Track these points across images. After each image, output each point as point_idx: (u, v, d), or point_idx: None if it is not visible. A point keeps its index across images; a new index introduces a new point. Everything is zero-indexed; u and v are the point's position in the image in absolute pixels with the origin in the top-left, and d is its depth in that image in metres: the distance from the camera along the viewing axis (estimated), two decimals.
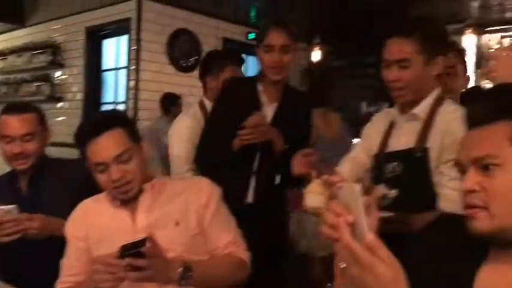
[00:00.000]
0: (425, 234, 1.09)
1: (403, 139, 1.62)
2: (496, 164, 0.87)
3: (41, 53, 6.00)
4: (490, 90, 1.14)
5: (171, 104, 4.78)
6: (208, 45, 5.39)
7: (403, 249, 0.87)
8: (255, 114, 1.92)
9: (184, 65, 5.38)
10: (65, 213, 1.63)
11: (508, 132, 0.87)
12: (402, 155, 1.60)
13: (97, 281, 1.26)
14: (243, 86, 2.17)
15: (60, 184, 1.87)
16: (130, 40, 5.14)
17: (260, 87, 2.08)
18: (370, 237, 0.76)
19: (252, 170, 2.06)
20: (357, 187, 0.79)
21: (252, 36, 5.99)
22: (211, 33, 5.60)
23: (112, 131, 1.42)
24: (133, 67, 5.09)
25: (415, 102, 1.61)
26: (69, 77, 5.92)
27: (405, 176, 1.57)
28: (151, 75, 5.14)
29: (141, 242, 1.24)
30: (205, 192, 1.52)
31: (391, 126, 1.70)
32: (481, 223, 0.88)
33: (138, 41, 5.04)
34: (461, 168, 0.94)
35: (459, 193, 1.31)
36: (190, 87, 5.26)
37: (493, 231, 0.88)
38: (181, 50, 5.36)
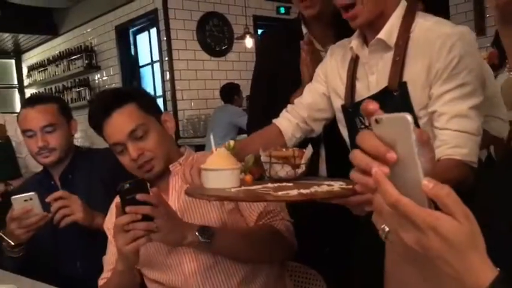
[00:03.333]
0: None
1: (374, 79, 1.25)
2: None
3: (77, 58, 6.06)
4: None
5: (233, 94, 4.64)
6: (238, 26, 5.22)
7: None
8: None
9: (217, 49, 5.24)
10: (100, 205, 1.54)
11: None
12: (376, 99, 1.24)
13: (119, 248, 1.15)
14: (281, 36, 1.87)
15: (94, 175, 1.78)
16: (159, 31, 5.05)
17: (305, 30, 1.72)
18: (429, 184, 0.53)
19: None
20: (408, 117, 0.54)
21: (282, 10, 5.76)
22: (240, 12, 5.42)
23: (122, 108, 1.32)
24: (166, 58, 5.00)
25: (377, 24, 1.23)
26: (106, 78, 5.93)
27: None
28: (185, 64, 5.04)
29: (140, 184, 1.14)
30: None
31: (355, 63, 1.31)
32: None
33: (168, 31, 4.94)
34: None
35: (469, 134, 1.10)
36: (226, 71, 5.13)
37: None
38: (212, 34, 5.22)
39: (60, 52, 6.41)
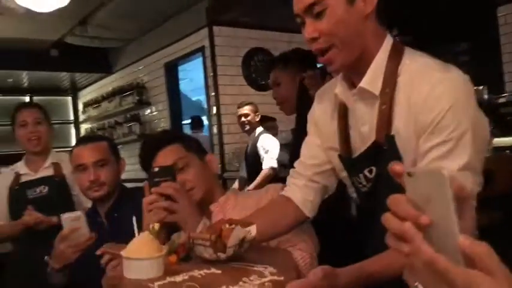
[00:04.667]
0: None
1: (366, 129, 1.12)
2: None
3: (128, 95, 6.30)
4: None
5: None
6: None
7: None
8: None
9: (262, 83, 5.32)
10: None
11: None
12: (370, 156, 1.10)
13: (146, 224, 1.27)
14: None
15: (137, 213, 1.82)
16: (206, 68, 5.19)
17: None
18: (466, 241, 0.50)
19: None
20: (445, 172, 0.52)
21: None
22: (284, 47, 5.49)
23: (168, 147, 1.48)
24: (213, 93, 5.11)
25: (359, 67, 1.09)
26: (156, 113, 6.12)
27: (379, 186, 1.10)
28: (231, 98, 5.13)
29: (168, 169, 1.34)
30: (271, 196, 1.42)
31: (344, 110, 1.17)
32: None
33: (214, 67, 5.07)
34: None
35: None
36: (270, 105, 5.16)
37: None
38: (257, 68, 5.31)
39: (113, 89, 6.70)
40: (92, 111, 7.21)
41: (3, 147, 6.37)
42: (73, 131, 7.85)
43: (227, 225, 1.07)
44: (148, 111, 6.24)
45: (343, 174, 1.23)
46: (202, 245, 1.06)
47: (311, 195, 1.27)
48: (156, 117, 6.13)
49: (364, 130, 1.12)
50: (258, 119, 4.37)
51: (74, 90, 7.88)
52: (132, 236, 1.66)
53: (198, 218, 1.32)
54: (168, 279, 0.97)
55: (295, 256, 1.27)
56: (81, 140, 1.94)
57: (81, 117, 7.71)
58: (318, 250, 1.34)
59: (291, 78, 2.14)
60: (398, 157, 1.04)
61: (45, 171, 2.40)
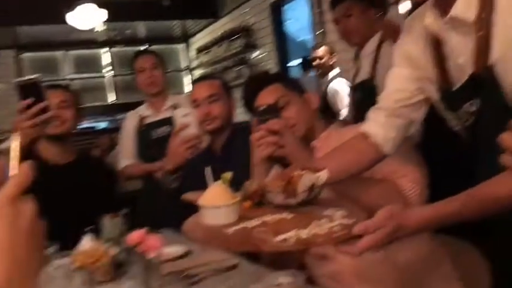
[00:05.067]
0: None
1: (463, 60, 1.03)
2: None
3: (235, 38, 6.42)
4: None
5: None
6: None
7: None
8: None
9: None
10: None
11: None
12: (469, 89, 1.02)
13: (256, 158, 1.38)
14: None
15: (248, 149, 1.92)
16: (312, 4, 5.07)
17: None
18: None
19: None
20: None
21: None
22: None
23: (268, 87, 1.54)
24: (320, 31, 5.01)
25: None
26: (263, 55, 6.18)
27: (482, 120, 1.02)
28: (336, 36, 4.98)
29: (275, 108, 1.40)
30: None
31: (436, 41, 1.09)
32: None
33: (320, 2, 4.94)
34: None
35: None
36: None
37: None
38: None
39: (222, 34, 6.85)
40: (203, 57, 7.47)
41: (127, 96, 6.93)
42: (186, 78, 8.23)
43: (297, 172, 1.09)
44: (256, 54, 6.31)
45: (442, 107, 1.16)
46: (273, 192, 1.10)
47: (393, 131, 1.22)
48: (263, 59, 6.19)
49: (461, 62, 1.05)
50: (332, 62, 4.09)
51: (185, 38, 8.19)
52: (243, 169, 1.78)
53: (304, 153, 1.37)
54: (242, 224, 1.03)
55: (404, 187, 1.26)
56: (197, 79, 2.15)
57: (193, 63, 8.04)
58: (427, 180, 1.31)
59: (362, 11, 2.20)
60: (499, 89, 0.97)
61: (166, 112, 2.59)
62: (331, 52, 4.13)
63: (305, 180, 1.09)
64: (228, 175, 1.19)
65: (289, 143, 1.35)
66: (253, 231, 1.01)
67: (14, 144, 0.65)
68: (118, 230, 1.62)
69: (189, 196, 1.45)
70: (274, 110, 1.41)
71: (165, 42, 7.96)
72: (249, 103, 1.57)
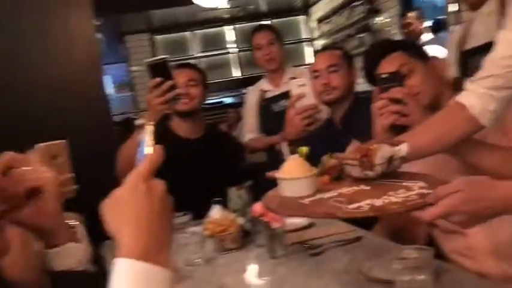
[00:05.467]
0: None
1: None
2: None
3: (358, 5, 6.20)
4: None
5: None
6: None
7: None
8: None
9: None
10: None
11: None
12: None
13: (378, 127, 1.35)
14: None
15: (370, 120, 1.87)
16: None
17: None
18: None
19: None
20: None
21: None
22: None
23: (393, 54, 1.50)
24: None
25: None
26: (388, 21, 5.89)
27: None
28: None
29: (398, 75, 1.35)
30: None
31: None
32: None
33: None
34: None
35: None
36: None
37: None
38: None
39: (342, 1, 6.66)
40: (324, 27, 7.35)
41: (251, 70, 7.12)
42: (307, 50, 8.18)
43: (374, 145, 1.10)
44: (379, 19, 6.04)
45: None
46: (351, 164, 1.12)
47: (492, 104, 1.11)
48: (386, 25, 5.90)
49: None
50: (422, 27, 3.79)
51: (306, 9, 8.12)
52: (364, 139, 1.74)
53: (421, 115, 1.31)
54: (318, 195, 1.06)
55: None
56: (318, 50, 2.15)
57: (315, 34, 7.96)
58: None
59: None
60: None
61: (285, 86, 2.62)
62: (420, 18, 3.89)
63: (383, 152, 1.08)
64: (305, 149, 1.22)
65: (413, 112, 1.29)
66: (328, 200, 1.03)
67: (150, 129, 0.71)
68: (243, 202, 1.70)
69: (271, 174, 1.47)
70: (397, 78, 1.36)
71: (286, 15, 7.97)
72: (371, 72, 1.53)
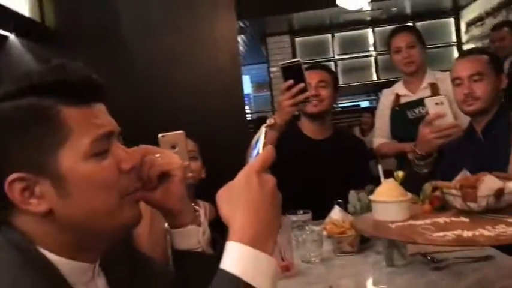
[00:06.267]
0: None
1: None
2: None
3: None
4: None
5: None
6: None
7: None
8: None
9: None
10: None
11: None
12: None
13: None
14: None
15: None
16: None
17: None
18: None
19: None
20: None
21: None
22: None
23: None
24: None
25: None
26: None
27: None
28: None
29: None
30: None
31: None
32: None
33: None
34: None
35: None
36: None
37: None
38: None
39: (499, 2, 6.11)
40: (475, 30, 6.83)
41: (389, 74, 6.90)
42: (455, 54, 7.67)
43: (483, 177, 1.01)
44: None
45: None
46: (452, 194, 1.05)
47: None
48: None
49: None
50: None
51: (456, 10, 7.61)
52: (507, 155, 1.60)
53: None
54: (409, 222, 1.02)
55: None
56: (461, 54, 2.01)
57: (464, 37, 7.42)
58: None
59: None
60: None
61: (423, 91, 2.49)
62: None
63: (488, 184, 0.99)
64: (401, 173, 1.20)
65: None
66: (417, 227, 0.98)
67: (264, 130, 0.77)
68: (362, 205, 1.67)
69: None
70: None
71: (432, 17, 7.55)
72: None
